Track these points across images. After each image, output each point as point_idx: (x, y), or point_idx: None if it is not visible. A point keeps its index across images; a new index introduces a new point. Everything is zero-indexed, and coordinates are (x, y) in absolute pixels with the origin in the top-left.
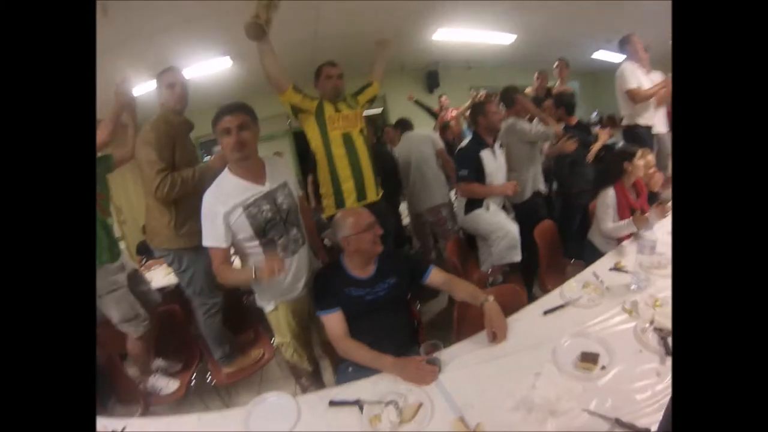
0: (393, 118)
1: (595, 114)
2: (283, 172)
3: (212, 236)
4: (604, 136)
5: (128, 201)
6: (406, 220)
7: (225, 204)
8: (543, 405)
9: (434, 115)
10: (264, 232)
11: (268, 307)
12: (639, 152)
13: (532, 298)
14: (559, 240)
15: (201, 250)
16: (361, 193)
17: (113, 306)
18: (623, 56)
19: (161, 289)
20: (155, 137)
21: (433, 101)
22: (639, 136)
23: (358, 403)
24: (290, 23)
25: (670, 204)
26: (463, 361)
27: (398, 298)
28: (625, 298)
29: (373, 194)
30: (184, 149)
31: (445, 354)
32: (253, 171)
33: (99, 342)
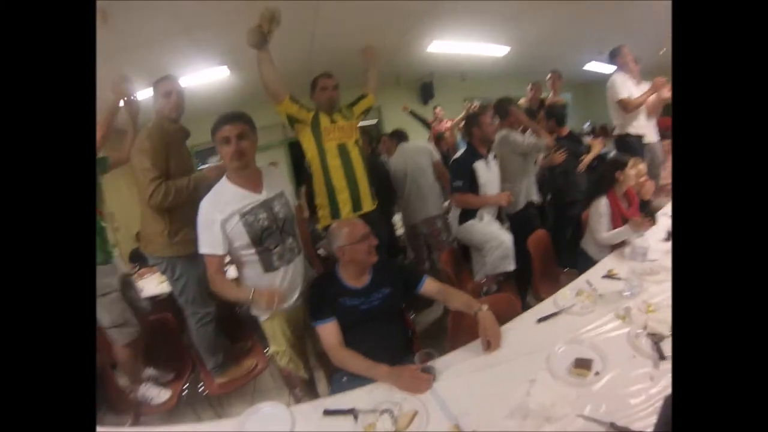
0: (388, 130)
1: (587, 124)
2: (280, 181)
3: (209, 243)
4: (597, 147)
5: (122, 208)
6: (399, 230)
7: (222, 211)
8: (538, 411)
9: (428, 126)
10: (260, 240)
11: (263, 316)
12: (631, 162)
13: (526, 307)
14: (553, 249)
15: (194, 258)
16: (356, 204)
17: (104, 309)
18: (614, 68)
19: (154, 298)
20: (150, 145)
21: (427, 112)
22: (630, 145)
23: (353, 412)
24: (287, 37)
25: (658, 213)
26: (457, 370)
27: (393, 307)
28: (618, 305)
29: (368, 205)
30: (179, 157)
31: (439, 362)
32: (251, 180)
33: None
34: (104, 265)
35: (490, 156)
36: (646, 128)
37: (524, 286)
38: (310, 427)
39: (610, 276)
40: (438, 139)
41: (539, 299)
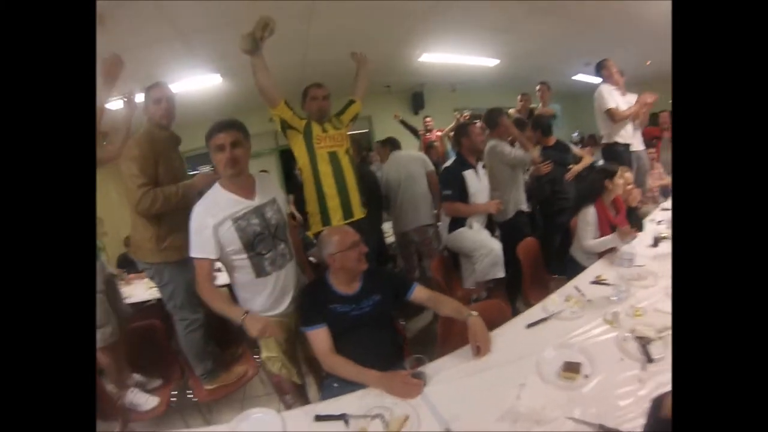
0: (378, 139)
1: (576, 134)
2: (272, 188)
3: (200, 248)
4: (588, 159)
5: (110, 213)
6: (388, 239)
7: (215, 216)
8: (528, 415)
9: (418, 135)
10: (252, 245)
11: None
12: (619, 170)
13: (515, 313)
14: (542, 256)
15: (183, 264)
16: (346, 212)
17: None
18: (600, 79)
19: (143, 303)
20: (138, 152)
21: (417, 122)
22: (618, 154)
23: (344, 418)
24: (281, 46)
25: (645, 219)
26: (448, 375)
27: (383, 314)
28: (606, 310)
29: (358, 212)
30: (168, 164)
31: (429, 368)
32: (244, 187)
33: None
34: None
35: (480, 165)
36: (632, 137)
37: (514, 292)
38: None
39: (598, 282)
40: (428, 148)
41: (529, 305)
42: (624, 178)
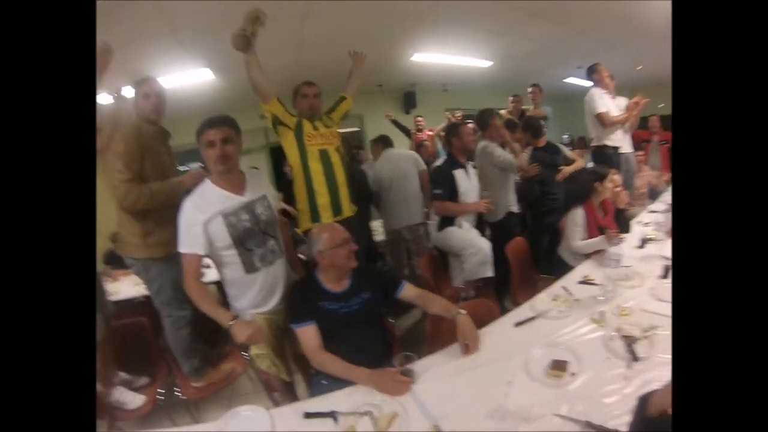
0: (370, 137)
1: (566, 136)
2: (263, 185)
3: (189, 243)
4: (580, 162)
5: (97, 208)
6: (377, 237)
7: (205, 212)
8: (516, 412)
9: (409, 135)
10: (242, 241)
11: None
12: (616, 176)
13: (504, 312)
14: (531, 256)
15: (169, 261)
16: (336, 209)
17: None
18: (591, 83)
19: (130, 300)
20: (124, 147)
21: (409, 121)
22: (607, 157)
23: (333, 415)
24: (274, 45)
25: (632, 221)
26: (436, 373)
27: (372, 312)
28: (593, 309)
29: (347, 210)
30: (156, 159)
31: (418, 365)
32: (235, 183)
33: None
34: None
35: (470, 165)
36: (621, 140)
37: (502, 291)
38: (290, 430)
39: (585, 282)
40: (418, 147)
41: (517, 305)
42: (613, 180)
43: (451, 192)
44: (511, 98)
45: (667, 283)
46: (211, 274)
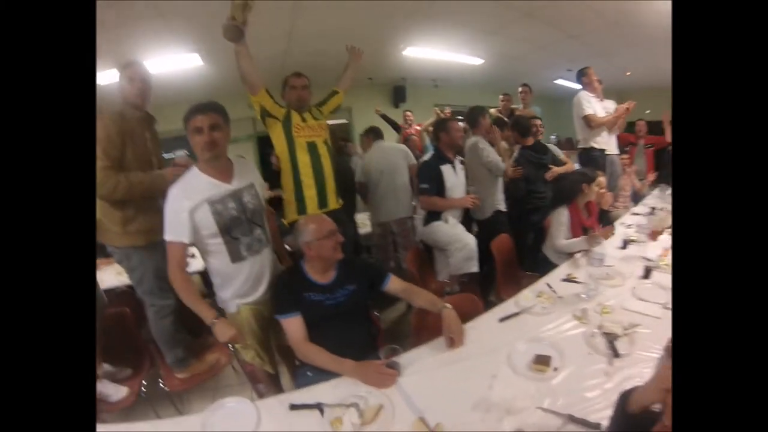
0: (358, 130)
1: (554, 136)
2: (250, 173)
3: (174, 230)
4: (570, 165)
5: None
6: (361, 230)
7: (191, 199)
8: (500, 404)
9: (398, 129)
10: (228, 229)
11: (229, 310)
12: (601, 178)
13: (488, 308)
14: (515, 253)
15: (151, 249)
16: (322, 201)
17: None
18: (580, 86)
19: (112, 290)
20: (103, 133)
21: (397, 115)
22: (593, 159)
23: (319, 406)
24: (263, 36)
25: (611, 227)
26: (422, 365)
27: (358, 304)
28: (575, 306)
29: (334, 202)
30: (139, 146)
31: (404, 358)
32: (222, 170)
33: None
34: None
35: (457, 161)
36: (607, 142)
37: (487, 287)
38: (275, 422)
39: (569, 279)
40: (405, 142)
41: (501, 300)
42: (598, 183)
43: (438, 187)
44: (501, 97)
45: (648, 283)
46: (195, 264)
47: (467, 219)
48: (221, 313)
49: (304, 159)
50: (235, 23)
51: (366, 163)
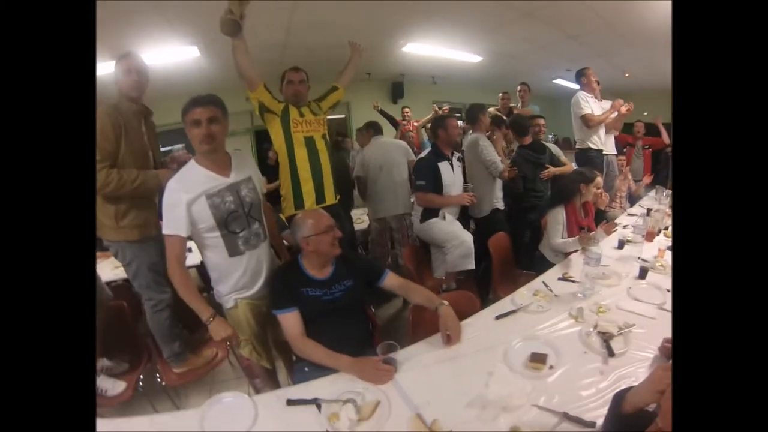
0: (356, 125)
1: (551, 136)
2: (248, 167)
3: (172, 224)
4: (569, 167)
5: None
6: (357, 226)
7: (189, 192)
8: (496, 402)
9: (396, 125)
10: (226, 223)
11: (227, 305)
12: (598, 179)
13: (485, 305)
14: (512, 251)
15: (145, 244)
16: (320, 196)
17: None
18: (578, 86)
19: (109, 284)
20: (98, 126)
21: (395, 111)
22: (590, 159)
23: (316, 402)
24: (262, 29)
25: (614, 222)
26: (418, 362)
27: (354, 300)
28: (571, 305)
29: (331, 198)
30: (134, 139)
31: (400, 355)
32: (220, 164)
33: None
34: None
35: (455, 158)
36: (604, 143)
37: (483, 285)
38: (272, 417)
39: (565, 278)
40: (403, 138)
41: (498, 298)
42: (596, 184)
43: (435, 184)
44: (500, 95)
45: (644, 284)
46: (192, 258)
47: (465, 216)
48: (219, 308)
49: (301, 154)
50: (233, 17)
51: (365, 158)
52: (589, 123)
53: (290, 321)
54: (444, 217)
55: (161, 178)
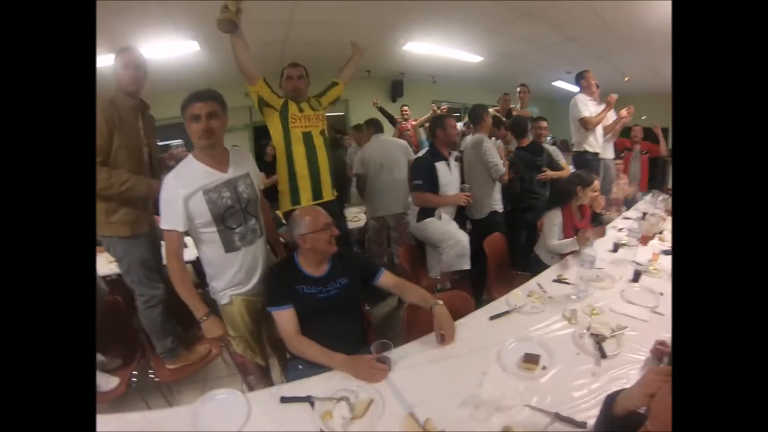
0: (354, 122)
1: (549, 138)
2: (246, 163)
3: (170, 219)
4: (567, 170)
5: None
6: (354, 224)
7: (186, 187)
8: (489, 401)
9: (395, 123)
10: (222, 218)
11: (222, 301)
12: (595, 182)
13: (479, 306)
14: (508, 252)
15: (135, 240)
16: (316, 192)
17: None
18: (578, 89)
19: (104, 278)
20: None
21: (395, 110)
22: (587, 162)
23: (310, 400)
24: (263, 24)
25: (607, 226)
26: (412, 361)
27: (350, 298)
28: (565, 307)
29: (328, 194)
30: (130, 134)
31: (394, 354)
32: (218, 159)
33: None
34: None
35: (452, 158)
36: (603, 147)
37: (478, 285)
38: (266, 415)
39: (559, 280)
40: (401, 136)
41: (492, 299)
42: (593, 187)
43: (432, 183)
44: (501, 96)
45: (637, 287)
46: (187, 254)
47: (462, 218)
48: (213, 305)
49: (299, 150)
50: (228, 16)
51: (366, 156)
52: (587, 125)
53: (285, 318)
54: (440, 217)
55: (153, 189)
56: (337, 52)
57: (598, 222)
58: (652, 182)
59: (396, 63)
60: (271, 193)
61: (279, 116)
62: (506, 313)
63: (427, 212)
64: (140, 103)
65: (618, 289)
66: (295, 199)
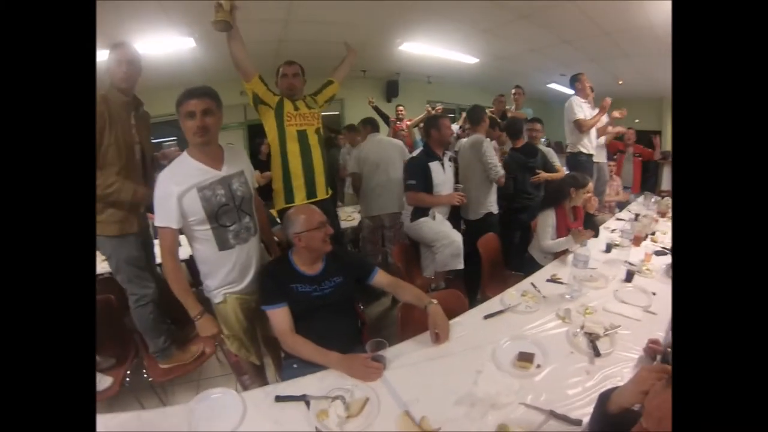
0: (349, 122)
1: (543, 139)
2: (241, 161)
3: (164, 216)
4: (561, 173)
5: None
6: (344, 223)
7: (180, 184)
8: (484, 399)
9: (389, 123)
10: (216, 216)
11: (216, 299)
12: (590, 184)
13: (473, 305)
14: (502, 252)
15: (123, 239)
16: (310, 191)
17: None
18: (572, 91)
19: (96, 276)
20: None
21: (390, 110)
22: (581, 163)
23: (305, 399)
24: (259, 22)
25: (592, 231)
26: (407, 359)
27: (344, 297)
28: (559, 306)
29: (322, 193)
30: (121, 131)
31: (389, 352)
32: (212, 156)
33: None
34: None
35: (446, 158)
36: (596, 150)
37: (472, 285)
38: (261, 414)
39: (553, 280)
40: (395, 136)
41: (486, 298)
42: (587, 189)
43: (425, 183)
44: (495, 97)
45: (630, 287)
46: (180, 252)
47: (456, 218)
48: (207, 303)
49: (293, 148)
50: (222, 16)
51: (362, 155)
52: (582, 128)
53: (279, 317)
54: (434, 217)
55: (138, 194)
56: (333, 51)
57: (591, 223)
58: (644, 184)
59: (392, 63)
60: (265, 192)
61: (274, 114)
62: (500, 312)
63: (421, 212)
64: (133, 100)
65: (611, 288)
66: (290, 197)
